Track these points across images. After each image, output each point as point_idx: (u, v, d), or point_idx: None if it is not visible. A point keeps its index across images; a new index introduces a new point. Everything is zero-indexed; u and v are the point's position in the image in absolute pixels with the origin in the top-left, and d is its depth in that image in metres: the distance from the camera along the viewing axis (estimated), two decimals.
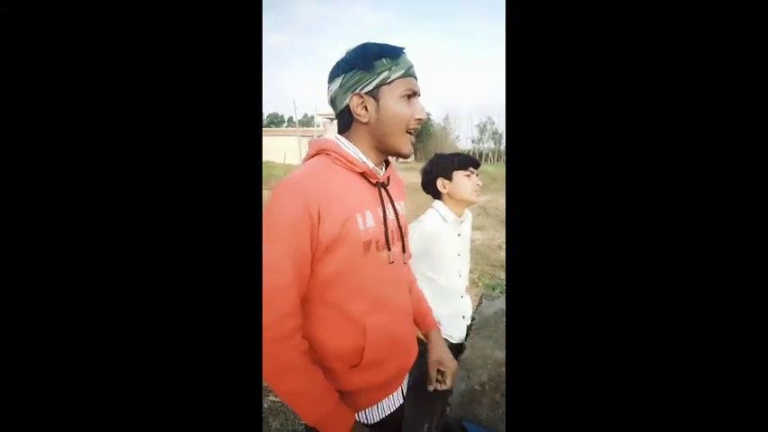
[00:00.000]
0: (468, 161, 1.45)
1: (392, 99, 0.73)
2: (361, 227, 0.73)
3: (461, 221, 1.48)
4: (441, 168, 1.46)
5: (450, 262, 1.45)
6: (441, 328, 1.45)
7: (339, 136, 0.79)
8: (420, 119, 0.76)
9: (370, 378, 0.79)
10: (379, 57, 0.72)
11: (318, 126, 29.81)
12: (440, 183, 1.46)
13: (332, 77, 0.75)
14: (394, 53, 0.74)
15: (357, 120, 0.76)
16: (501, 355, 1.52)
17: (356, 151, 0.77)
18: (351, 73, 0.73)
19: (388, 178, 0.84)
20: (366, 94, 0.73)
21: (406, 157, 0.78)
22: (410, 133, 0.77)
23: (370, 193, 0.78)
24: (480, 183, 1.45)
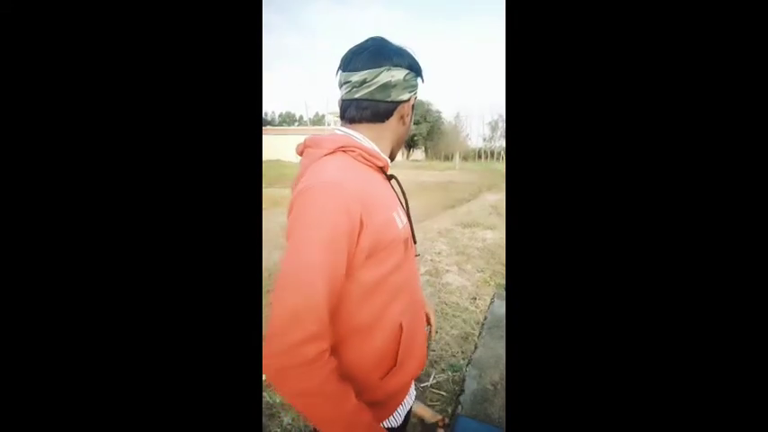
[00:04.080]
0: None
1: (411, 111, 0.78)
2: (399, 225, 0.70)
3: None
4: None
5: None
6: None
7: (350, 131, 0.76)
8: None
9: (403, 378, 0.77)
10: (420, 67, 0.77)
11: (329, 125, 29.98)
12: None
13: (396, 64, 0.72)
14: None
15: (397, 119, 0.75)
16: None
17: (372, 146, 0.75)
18: (411, 74, 0.73)
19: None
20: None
21: (393, 160, 0.85)
22: None
23: (388, 185, 0.77)
24: None
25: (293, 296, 0.57)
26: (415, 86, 0.75)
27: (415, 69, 0.75)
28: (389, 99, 0.72)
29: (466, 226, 5.01)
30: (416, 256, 0.80)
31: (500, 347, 1.59)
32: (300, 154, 0.75)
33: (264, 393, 1.66)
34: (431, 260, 3.31)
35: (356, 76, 0.72)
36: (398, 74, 0.71)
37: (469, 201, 8.56)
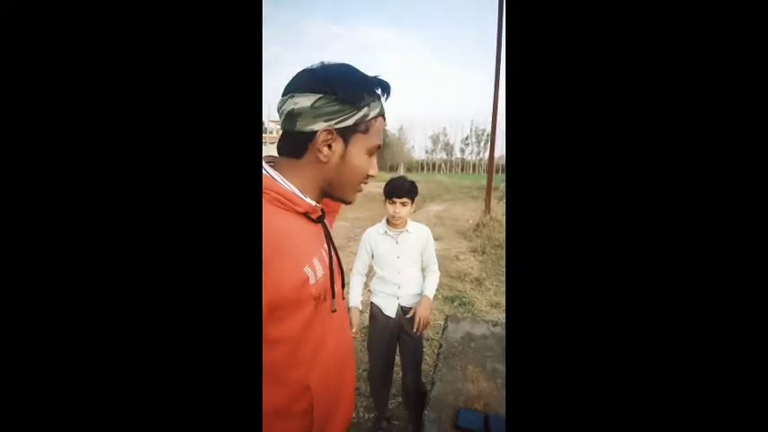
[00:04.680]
0: (388, 191, 1.83)
1: (360, 151, 0.66)
2: (312, 280, 0.64)
3: (400, 233, 1.89)
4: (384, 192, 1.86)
5: (388, 262, 1.91)
6: (377, 301, 1.92)
7: (269, 169, 0.66)
8: (372, 175, 0.70)
9: None
10: (365, 89, 0.64)
11: (271, 133, 28.78)
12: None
13: (302, 89, 0.62)
14: (382, 87, 0.66)
15: (312, 154, 0.64)
16: (473, 388, 1.34)
17: (293, 189, 0.65)
18: (330, 97, 0.61)
19: (322, 209, 0.75)
20: (337, 130, 0.63)
21: (348, 203, 0.74)
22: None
23: (312, 231, 0.69)
24: (398, 211, 1.79)
25: None
26: (333, 113, 0.62)
27: (341, 91, 0.62)
28: (296, 129, 0.63)
29: None
30: (333, 311, 0.71)
31: (458, 381, 1.41)
32: None
33: None
34: None
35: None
36: (303, 101, 0.62)
37: (414, 212, 8.61)
